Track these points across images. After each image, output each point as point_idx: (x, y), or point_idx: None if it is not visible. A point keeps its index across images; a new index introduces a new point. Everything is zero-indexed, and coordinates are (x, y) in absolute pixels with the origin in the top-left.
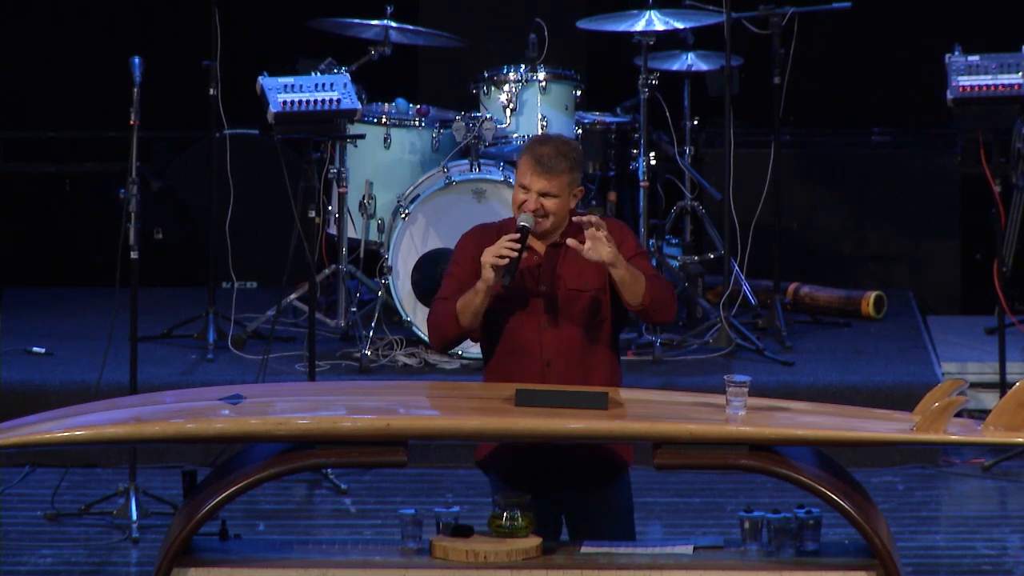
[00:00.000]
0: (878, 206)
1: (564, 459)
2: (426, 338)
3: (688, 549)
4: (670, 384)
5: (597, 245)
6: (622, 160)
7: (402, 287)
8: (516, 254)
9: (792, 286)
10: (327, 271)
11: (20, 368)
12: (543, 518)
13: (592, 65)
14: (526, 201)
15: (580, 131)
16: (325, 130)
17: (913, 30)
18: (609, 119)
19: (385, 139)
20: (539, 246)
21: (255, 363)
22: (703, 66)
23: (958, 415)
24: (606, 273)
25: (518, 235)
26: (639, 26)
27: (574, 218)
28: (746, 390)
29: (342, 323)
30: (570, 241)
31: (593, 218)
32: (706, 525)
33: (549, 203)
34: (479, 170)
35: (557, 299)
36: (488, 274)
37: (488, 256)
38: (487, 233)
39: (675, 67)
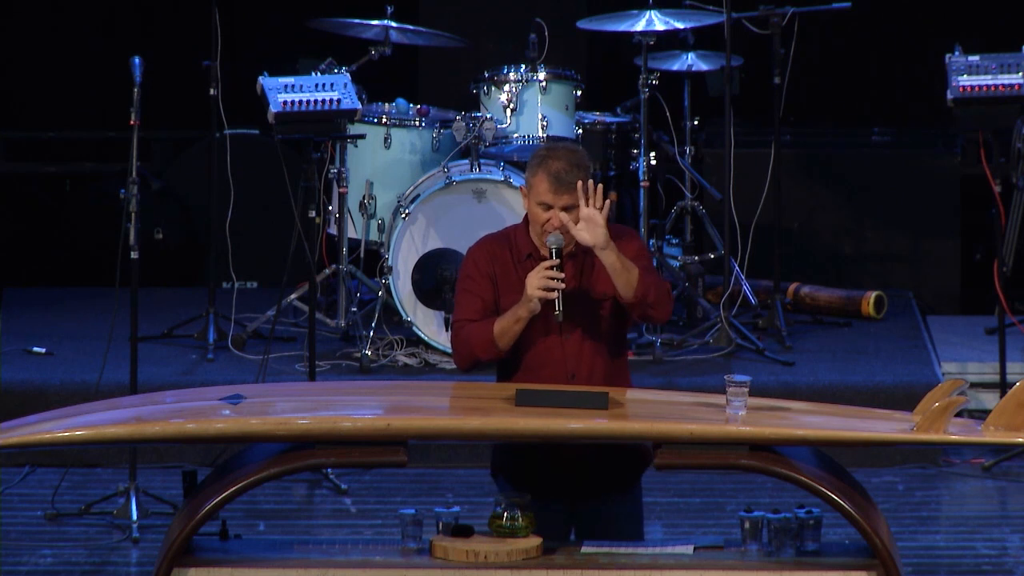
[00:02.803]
0: (878, 206)
1: (578, 467)
2: (426, 338)
3: (688, 549)
4: (670, 384)
5: (589, 226)
6: (622, 160)
7: (402, 287)
8: (562, 284)
9: (792, 286)
10: (327, 271)
11: (20, 368)
12: (553, 528)
13: (592, 65)
14: (551, 219)
15: (580, 131)
16: (325, 130)
17: (913, 30)
18: (609, 119)
19: (385, 139)
20: None
21: (255, 363)
22: (703, 66)
23: (958, 415)
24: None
25: (557, 261)
26: (639, 26)
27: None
28: (746, 390)
29: (342, 323)
30: (562, 215)
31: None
32: (706, 525)
33: (574, 216)
34: (479, 170)
35: (577, 311)
36: (535, 305)
37: (535, 289)
38: (497, 245)
39: (675, 67)
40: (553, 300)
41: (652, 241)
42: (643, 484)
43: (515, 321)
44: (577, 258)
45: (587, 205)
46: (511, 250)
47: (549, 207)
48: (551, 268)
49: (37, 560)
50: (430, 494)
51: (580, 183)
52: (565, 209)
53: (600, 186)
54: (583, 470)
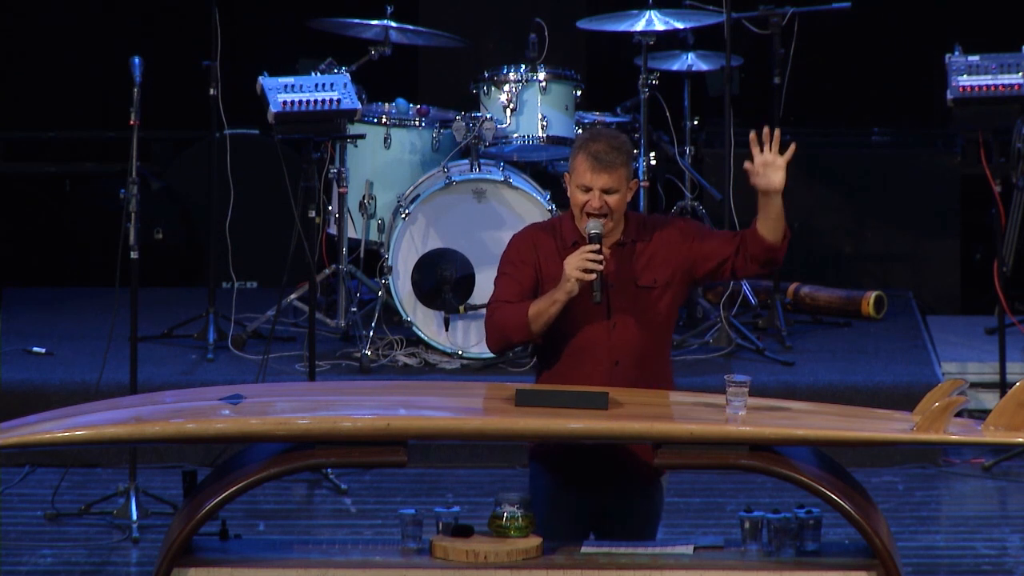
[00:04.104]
0: (878, 206)
1: (615, 457)
2: (426, 338)
3: (688, 549)
4: None
5: (771, 170)
6: None
7: (402, 287)
8: (601, 266)
9: (792, 286)
10: (327, 271)
11: (20, 368)
12: (572, 518)
13: (592, 65)
14: (589, 201)
15: (580, 131)
16: (325, 130)
17: (913, 30)
18: (609, 119)
19: (385, 139)
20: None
21: (255, 363)
22: (703, 66)
23: (958, 415)
24: (674, 268)
25: (597, 246)
26: (639, 26)
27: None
28: (746, 390)
29: (342, 323)
30: (747, 165)
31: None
32: (706, 525)
33: (612, 199)
34: (479, 170)
35: (626, 298)
36: (573, 286)
37: (574, 270)
38: (541, 234)
39: (675, 67)
40: (591, 283)
41: None
42: None
43: (551, 303)
44: (622, 247)
45: (761, 152)
46: (556, 238)
47: (588, 189)
48: (591, 251)
49: (37, 560)
50: (430, 494)
51: (753, 134)
52: (605, 192)
53: (777, 131)
54: (615, 459)
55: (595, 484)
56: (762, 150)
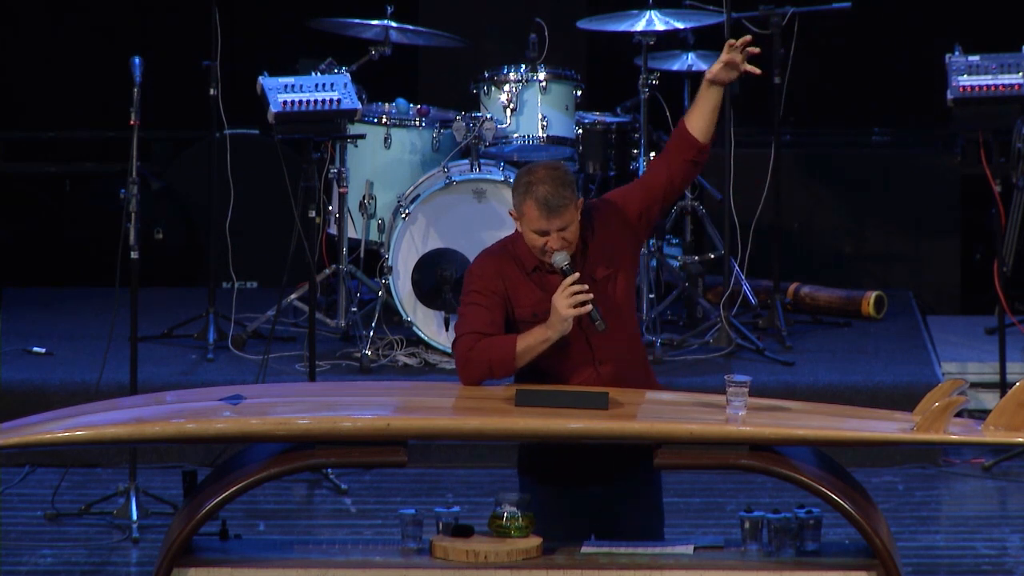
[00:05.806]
0: (878, 206)
1: (607, 455)
2: (426, 338)
3: (688, 549)
4: (670, 384)
5: (730, 69)
6: (622, 160)
7: (402, 287)
8: (590, 295)
9: (792, 286)
10: (327, 271)
11: (20, 368)
12: (570, 516)
13: (592, 65)
14: (548, 242)
15: (580, 131)
16: (325, 130)
17: (913, 30)
18: (609, 119)
19: (385, 139)
20: None
21: (255, 363)
22: (703, 66)
23: (958, 415)
24: (624, 247)
25: (576, 275)
26: (639, 26)
27: None
28: (746, 390)
29: (342, 323)
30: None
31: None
32: (706, 525)
33: (569, 233)
34: (479, 170)
35: (595, 296)
36: (568, 325)
37: (567, 309)
38: (501, 260)
39: (675, 67)
40: (587, 314)
41: (652, 241)
42: None
43: (542, 341)
44: (575, 256)
45: (730, 52)
46: (516, 264)
47: (545, 232)
48: (573, 284)
49: (37, 560)
50: (430, 494)
51: (734, 41)
52: (560, 230)
53: (752, 42)
54: (607, 457)
55: (589, 484)
56: (732, 50)
